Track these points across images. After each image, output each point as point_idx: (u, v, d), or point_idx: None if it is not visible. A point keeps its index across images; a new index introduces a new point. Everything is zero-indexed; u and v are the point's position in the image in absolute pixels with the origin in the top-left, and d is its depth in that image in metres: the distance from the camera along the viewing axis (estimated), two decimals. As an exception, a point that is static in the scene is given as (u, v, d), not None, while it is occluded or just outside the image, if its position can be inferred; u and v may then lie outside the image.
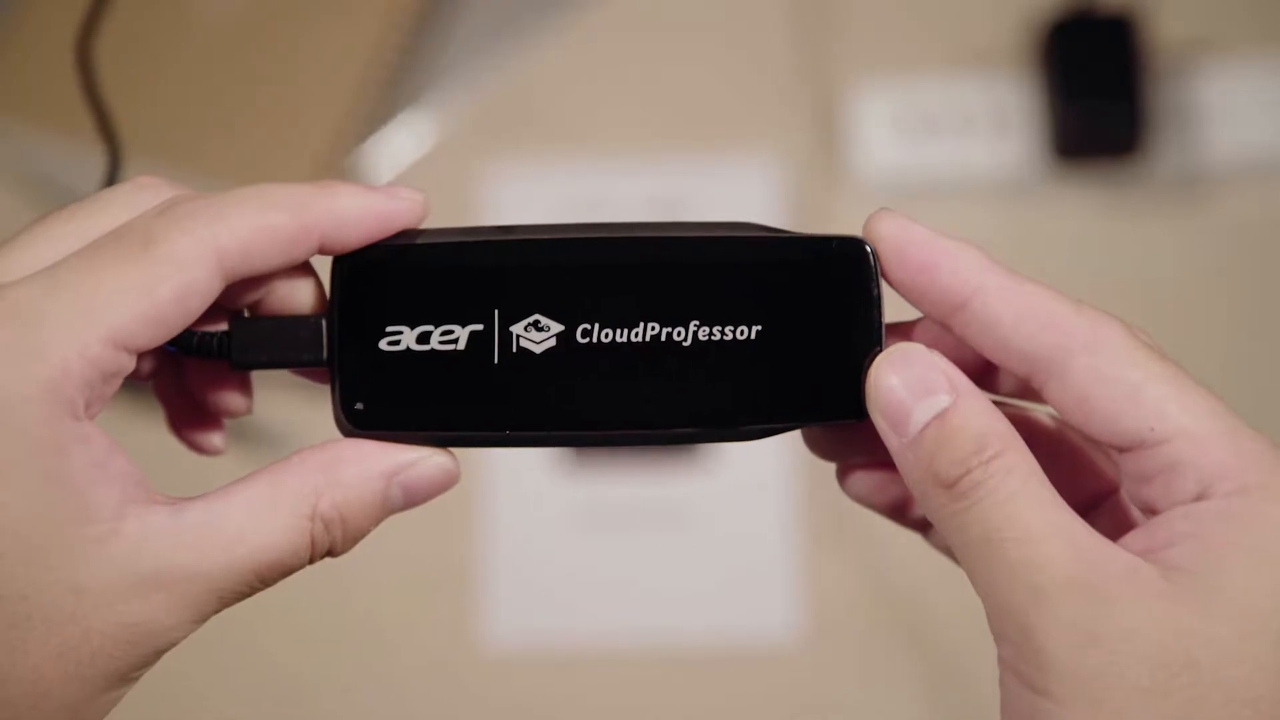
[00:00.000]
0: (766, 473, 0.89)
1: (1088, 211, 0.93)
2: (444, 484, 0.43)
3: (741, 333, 0.42)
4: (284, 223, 0.40)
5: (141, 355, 0.40)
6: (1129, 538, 0.39)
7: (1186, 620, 0.37)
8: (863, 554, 0.87)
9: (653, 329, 0.42)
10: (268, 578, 0.41)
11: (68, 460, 0.38)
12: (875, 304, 0.42)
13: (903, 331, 0.44)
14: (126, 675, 0.39)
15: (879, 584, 0.87)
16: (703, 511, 0.89)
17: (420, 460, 0.42)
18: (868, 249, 0.42)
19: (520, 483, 0.90)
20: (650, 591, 0.89)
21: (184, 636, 0.40)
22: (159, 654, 0.40)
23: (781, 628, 0.87)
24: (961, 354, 0.42)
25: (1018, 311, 0.40)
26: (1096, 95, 0.91)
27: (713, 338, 0.42)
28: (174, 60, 0.96)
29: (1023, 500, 0.38)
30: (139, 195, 0.41)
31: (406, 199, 0.42)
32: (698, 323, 0.42)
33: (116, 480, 0.38)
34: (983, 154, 0.92)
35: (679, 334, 0.42)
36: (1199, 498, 0.38)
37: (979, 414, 0.39)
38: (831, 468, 0.48)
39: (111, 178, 0.49)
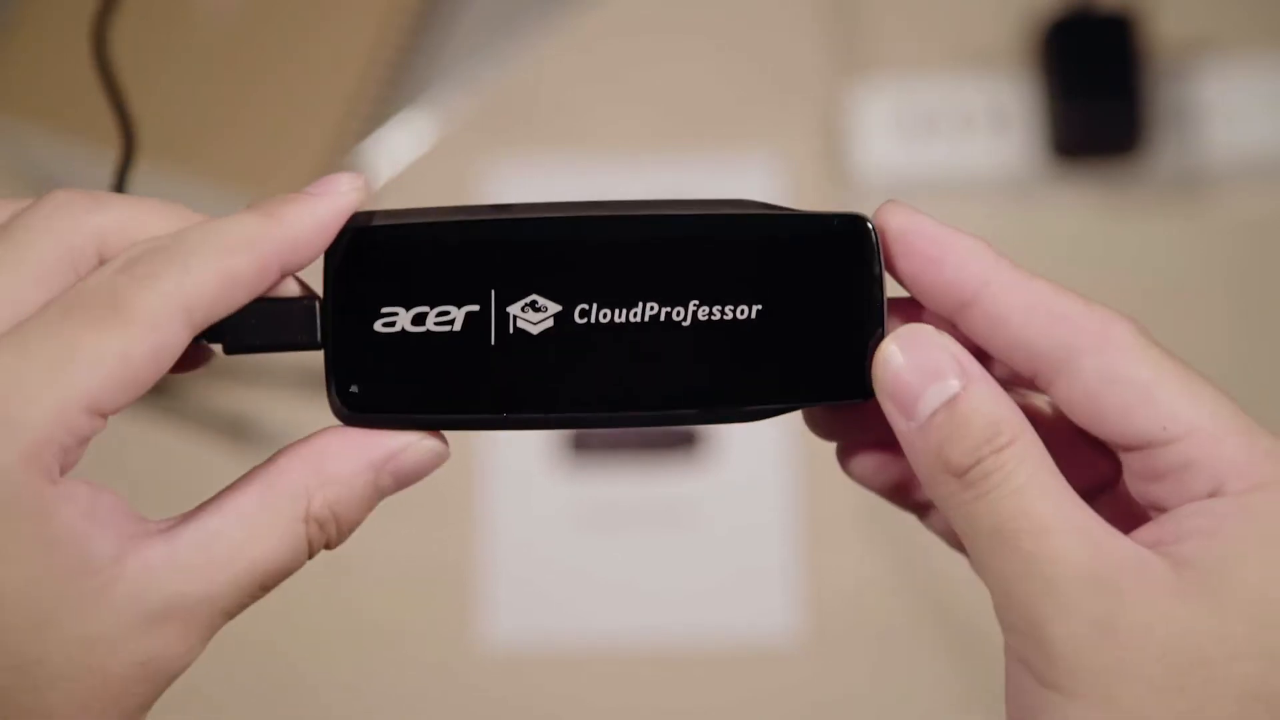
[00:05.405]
0: (766, 471, 0.89)
1: (1087, 211, 0.93)
2: (434, 465, 0.42)
3: (742, 312, 0.42)
4: (244, 266, 0.39)
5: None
6: (1139, 532, 0.39)
7: (1199, 616, 0.37)
8: (863, 553, 0.87)
9: (651, 309, 0.42)
10: (270, 585, 0.40)
11: (58, 521, 0.37)
12: (877, 282, 0.41)
13: (903, 309, 0.43)
14: (146, 705, 0.39)
15: (879, 583, 0.87)
16: (703, 511, 0.89)
17: (409, 446, 0.41)
18: (869, 225, 0.41)
19: (520, 483, 0.90)
20: (650, 591, 0.89)
21: (196, 658, 0.40)
22: (174, 679, 0.40)
23: (781, 627, 0.87)
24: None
25: (1026, 308, 0.39)
26: (1096, 94, 0.91)
27: (713, 317, 0.42)
28: (174, 60, 0.96)
29: (1034, 491, 0.38)
30: (57, 218, 0.39)
31: (348, 190, 0.41)
32: (697, 302, 0.42)
33: (108, 523, 0.38)
34: (982, 153, 0.92)
35: (678, 314, 0.42)
36: (1212, 494, 0.38)
37: (991, 401, 0.39)
38: (832, 466, 0.47)
39: (123, 177, 0.49)
